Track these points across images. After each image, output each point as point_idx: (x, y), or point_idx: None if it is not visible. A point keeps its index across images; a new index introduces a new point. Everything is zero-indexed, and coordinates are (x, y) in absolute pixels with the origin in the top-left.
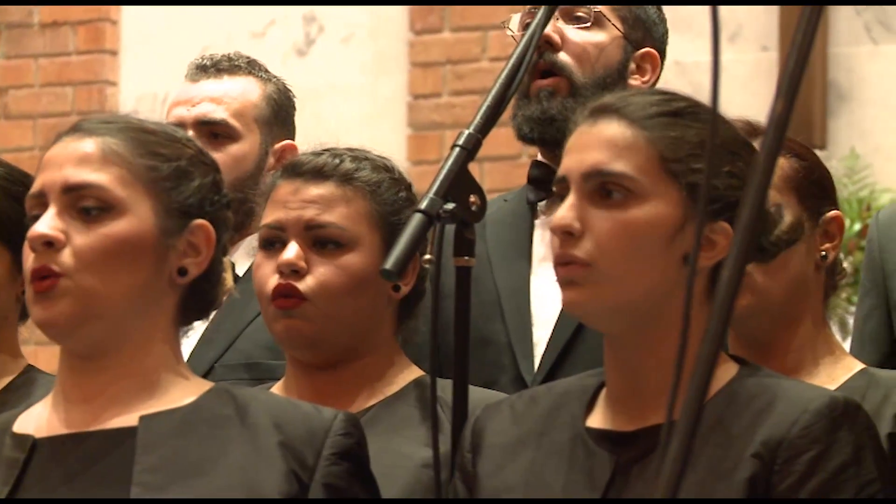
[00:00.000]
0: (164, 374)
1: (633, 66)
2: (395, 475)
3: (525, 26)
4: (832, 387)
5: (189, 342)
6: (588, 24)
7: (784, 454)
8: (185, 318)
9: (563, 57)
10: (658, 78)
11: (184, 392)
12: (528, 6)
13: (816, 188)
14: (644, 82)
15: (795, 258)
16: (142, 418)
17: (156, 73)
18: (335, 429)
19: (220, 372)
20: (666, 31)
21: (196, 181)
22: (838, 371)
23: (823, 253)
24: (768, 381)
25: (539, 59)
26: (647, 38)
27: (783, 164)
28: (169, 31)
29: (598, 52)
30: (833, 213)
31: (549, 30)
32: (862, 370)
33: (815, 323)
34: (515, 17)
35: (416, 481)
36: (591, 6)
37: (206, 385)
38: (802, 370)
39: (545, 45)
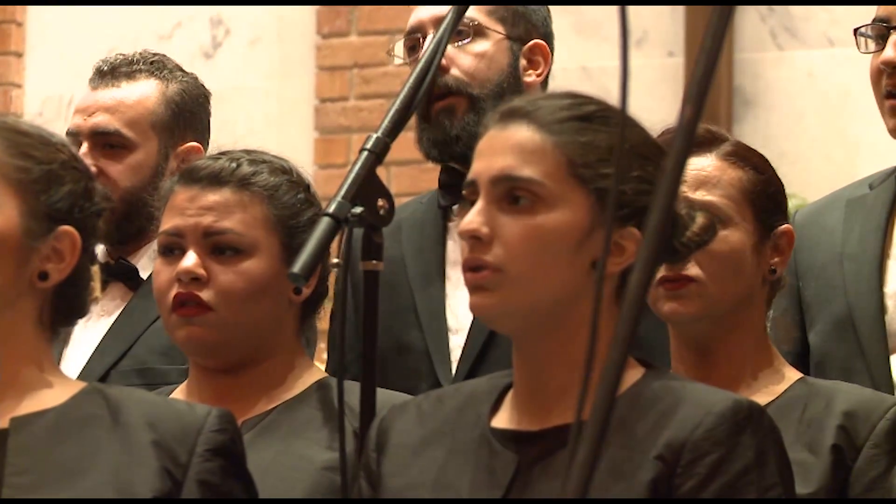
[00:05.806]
0: (32, 377)
1: (523, 62)
2: (295, 478)
3: (410, 49)
4: (772, 398)
5: (86, 350)
6: (469, 39)
7: (687, 456)
8: (52, 322)
9: (454, 74)
10: (550, 66)
11: (55, 394)
12: (408, 34)
13: (772, 202)
14: (539, 75)
15: (747, 270)
16: (12, 420)
17: (61, 75)
18: (208, 425)
19: (114, 378)
20: (546, 14)
21: (67, 186)
22: (777, 382)
23: (773, 267)
24: (673, 383)
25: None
26: (531, 30)
27: (741, 176)
28: (75, 33)
29: (488, 62)
30: (784, 227)
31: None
32: (801, 379)
33: (756, 335)
34: (398, 44)
35: (317, 484)
36: (468, 18)
37: (78, 386)
38: (742, 381)
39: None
